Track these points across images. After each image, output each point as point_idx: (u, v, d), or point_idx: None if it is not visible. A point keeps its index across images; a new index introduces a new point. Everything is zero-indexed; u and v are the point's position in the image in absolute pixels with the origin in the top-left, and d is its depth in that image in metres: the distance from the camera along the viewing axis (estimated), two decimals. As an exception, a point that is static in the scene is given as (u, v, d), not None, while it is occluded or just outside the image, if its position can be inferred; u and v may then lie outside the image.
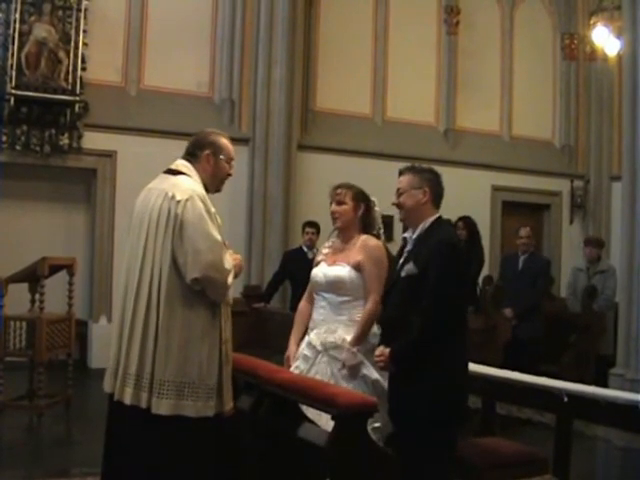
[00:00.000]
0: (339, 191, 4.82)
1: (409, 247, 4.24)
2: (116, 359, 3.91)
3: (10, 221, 10.06)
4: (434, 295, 3.98)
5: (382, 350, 4.11)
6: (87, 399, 8.78)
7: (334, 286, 4.65)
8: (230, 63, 11.47)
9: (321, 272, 4.73)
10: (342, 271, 4.64)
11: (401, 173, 4.40)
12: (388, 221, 12.18)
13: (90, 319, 10.68)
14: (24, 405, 7.46)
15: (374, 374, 4.46)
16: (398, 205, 4.31)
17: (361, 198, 4.82)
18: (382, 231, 4.94)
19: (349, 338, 4.52)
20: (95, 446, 6.95)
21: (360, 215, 4.78)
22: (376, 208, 4.90)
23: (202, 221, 3.90)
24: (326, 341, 4.58)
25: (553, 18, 14.51)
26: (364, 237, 4.72)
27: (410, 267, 4.08)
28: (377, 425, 4.22)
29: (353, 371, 4.46)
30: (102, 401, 8.30)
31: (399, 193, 4.31)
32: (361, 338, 4.50)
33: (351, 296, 4.62)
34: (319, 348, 4.60)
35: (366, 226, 4.81)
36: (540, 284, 8.84)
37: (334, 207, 4.79)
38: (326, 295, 4.70)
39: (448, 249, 4.13)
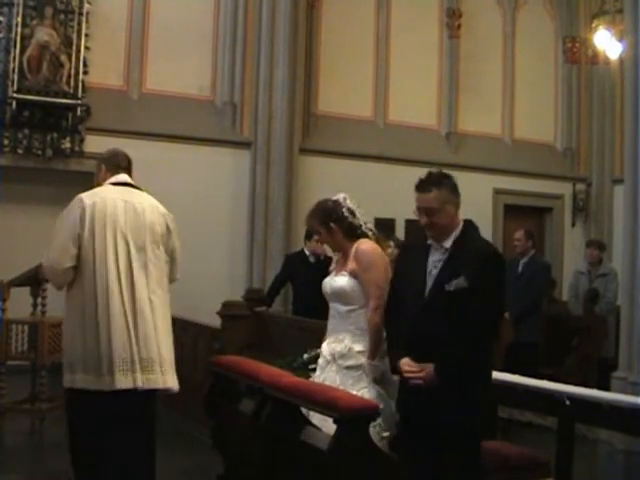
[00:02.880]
0: (309, 224, 4.90)
1: (441, 256, 4.05)
2: (131, 352, 4.35)
3: (12, 224, 10.07)
4: (487, 309, 3.92)
5: (420, 365, 3.95)
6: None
7: (338, 296, 4.62)
8: (232, 67, 11.48)
9: (328, 283, 4.71)
10: (343, 281, 4.60)
11: (424, 190, 4.08)
12: (390, 224, 12.24)
13: (92, 322, 10.66)
14: (26, 409, 7.46)
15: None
16: (430, 225, 4.06)
17: (327, 216, 4.68)
18: (368, 225, 4.74)
19: (356, 347, 4.50)
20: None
21: (337, 231, 4.67)
22: (346, 203, 4.71)
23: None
24: (334, 351, 4.58)
25: (555, 21, 14.51)
26: (358, 242, 4.62)
27: (460, 281, 3.90)
28: (386, 434, 4.21)
29: (379, 381, 4.44)
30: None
31: (430, 212, 4.04)
32: (374, 349, 4.45)
33: (356, 305, 4.56)
34: (328, 358, 4.61)
35: (350, 232, 4.67)
36: (535, 287, 8.82)
37: (318, 239, 4.98)
38: (334, 305, 4.68)
39: (498, 262, 4.09)
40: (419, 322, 3.99)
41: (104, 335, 4.28)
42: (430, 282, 4.02)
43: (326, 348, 4.66)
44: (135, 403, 4.39)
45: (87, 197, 4.58)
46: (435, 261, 4.05)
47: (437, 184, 4.07)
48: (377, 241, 4.70)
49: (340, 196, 4.75)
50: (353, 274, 4.56)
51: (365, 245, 4.60)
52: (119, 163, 4.91)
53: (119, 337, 4.29)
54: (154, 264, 4.52)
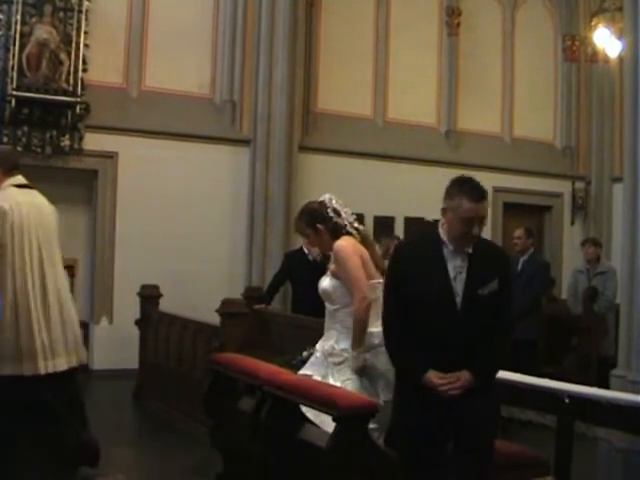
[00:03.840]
0: (297, 227, 5.03)
1: (462, 262, 3.92)
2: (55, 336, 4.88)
3: (11, 222, 10.05)
4: (510, 308, 4.01)
5: (454, 375, 3.84)
6: (88, 400, 8.76)
7: (325, 296, 4.76)
8: (231, 64, 11.47)
9: (319, 283, 4.83)
10: (326, 282, 4.74)
11: (483, 199, 3.90)
12: (389, 222, 12.24)
13: (91, 321, 10.67)
14: (25, 406, 7.45)
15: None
16: (479, 234, 3.93)
17: (314, 218, 4.80)
18: (355, 224, 4.82)
19: (340, 345, 4.61)
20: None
21: (324, 232, 4.77)
22: (332, 203, 4.80)
23: None
24: (323, 348, 4.71)
25: (554, 19, 14.51)
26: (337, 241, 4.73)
27: (494, 285, 3.89)
28: (372, 426, 4.22)
29: (360, 372, 4.52)
30: (103, 402, 8.32)
31: (482, 221, 3.91)
32: (358, 340, 4.52)
33: (339, 304, 4.67)
34: (319, 355, 4.73)
35: (336, 231, 4.76)
36: (534, 285, 8.80)
37: (307, 242, 5.15)
38: (325, 303, 4.81)
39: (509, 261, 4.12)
40: (452, 329, 3.87)
41: (23, 327, 4.75)
42: (459, 288, 3.91)
43: (319, 345, 4.78)
44: (47, 385, 4.82)
45: (2, 202, 4.92)
46: (458, 266, 3.93)
47: (484, 191, 3.94)
48: (363, 240, 4.79)
49: (326, 197, 4.84)
50: (334, 274, 4.68)
51: (339, 242, 4.67)
52: (14, 163, 5.28)
53: (38, 327, 4.79)
54: (58, 258, 5.09)
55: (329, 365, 4.63)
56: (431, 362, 3.85)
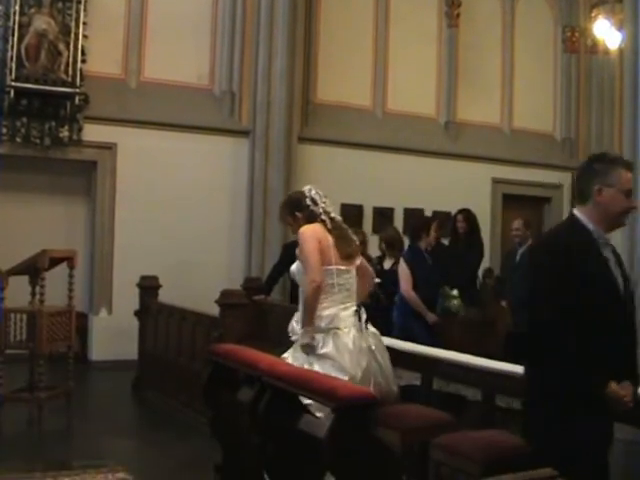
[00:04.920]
0: (280, 216, 5.39)
1: (610, 253, 3.50)
2: None
3: (10, 213, 10.05)
4: None
5: (624, 387, 3.40)
6: (87, 392, 8.79)
7: (293, 278, 5.20)
8: (230, 55, 11.45)
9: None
10: (293, 266, 5.10)
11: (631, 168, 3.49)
12: (388, 213, 12.22)
13: (90, 312, 10.68)
14: (24, 397, 7.46)
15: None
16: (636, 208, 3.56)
17: (294, 207, 5.11)
18: (331, 214, 5.05)
19: (298, 325, 4.96)
20: (95, 438, 6.97)
21: (301, 219, 5.06)
22: (311, 193, 5.06)
23: None
24: (289, 328, 5.08)
25: (554, 10, 14.48)
26: None
27: (636, 281, 3.65)
28: (320, 415, 4.18)
29: (306, 349, 4.80)
30: (102, 394, 8.32)
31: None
32: (306, 320, 4.81)
33: (302, 285, 4.98)
34: (289, 334, 5.08)
35: (310, 219, 5.01)
36: None
37: (292, 231, 5.38)
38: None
39: None
40: (625, 331, 3.39)
41: None
42: (620, 284, 3.45)
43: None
44: None
45: None
46: (611, 260, 3.48)
47: None
48: (334, 229, 4.99)
49: (306, 188, 5.14)
50: (298, 258, 5.01)
51: (302, 227, 4.97)
52: None
53: None
54: None
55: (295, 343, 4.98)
56: (608, 371, 3.34)
